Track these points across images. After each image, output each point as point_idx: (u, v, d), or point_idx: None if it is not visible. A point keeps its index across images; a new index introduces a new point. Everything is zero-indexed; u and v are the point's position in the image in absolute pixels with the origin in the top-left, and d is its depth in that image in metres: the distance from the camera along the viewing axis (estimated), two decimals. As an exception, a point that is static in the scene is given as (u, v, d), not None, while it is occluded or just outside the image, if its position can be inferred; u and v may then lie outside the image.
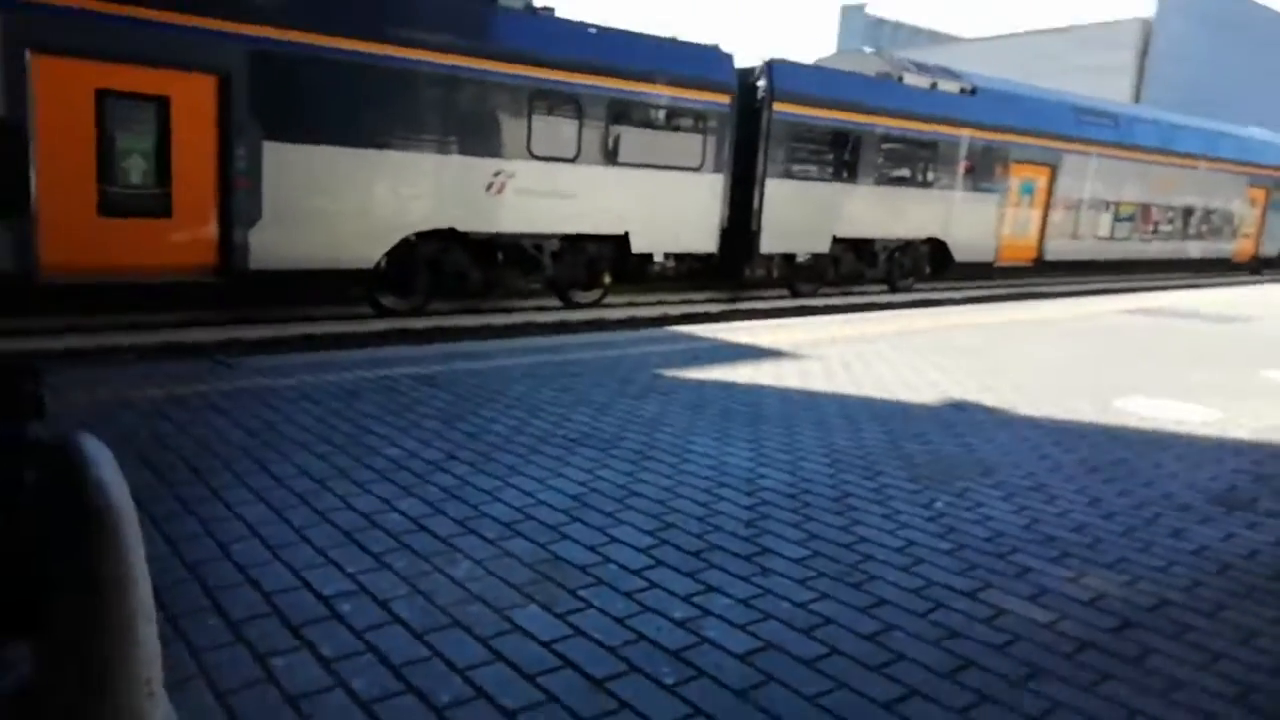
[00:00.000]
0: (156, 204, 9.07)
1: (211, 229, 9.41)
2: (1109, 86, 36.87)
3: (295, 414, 4.75)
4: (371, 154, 10.26)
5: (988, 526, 3.49)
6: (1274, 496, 3.93)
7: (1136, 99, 39.24)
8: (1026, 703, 2.30)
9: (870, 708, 2.26)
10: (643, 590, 2.86)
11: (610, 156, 12.24)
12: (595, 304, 12.98)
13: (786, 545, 3.25)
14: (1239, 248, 25.11)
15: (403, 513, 3.42)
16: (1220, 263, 24.67)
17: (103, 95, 8.62)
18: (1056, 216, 19.21)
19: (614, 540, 3.25)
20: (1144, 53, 41.23)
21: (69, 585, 1.00)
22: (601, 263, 12.82)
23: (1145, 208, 21.48)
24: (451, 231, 11.06)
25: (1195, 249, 23.46)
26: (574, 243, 12.28)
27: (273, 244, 9.70)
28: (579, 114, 11.88)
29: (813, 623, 2.68)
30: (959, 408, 5.51)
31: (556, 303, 12.82)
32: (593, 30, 12.10)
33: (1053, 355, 7.67)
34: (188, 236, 9.30)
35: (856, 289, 16.54)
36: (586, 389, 5.68)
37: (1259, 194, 25.07)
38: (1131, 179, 20.84)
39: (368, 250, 10.46)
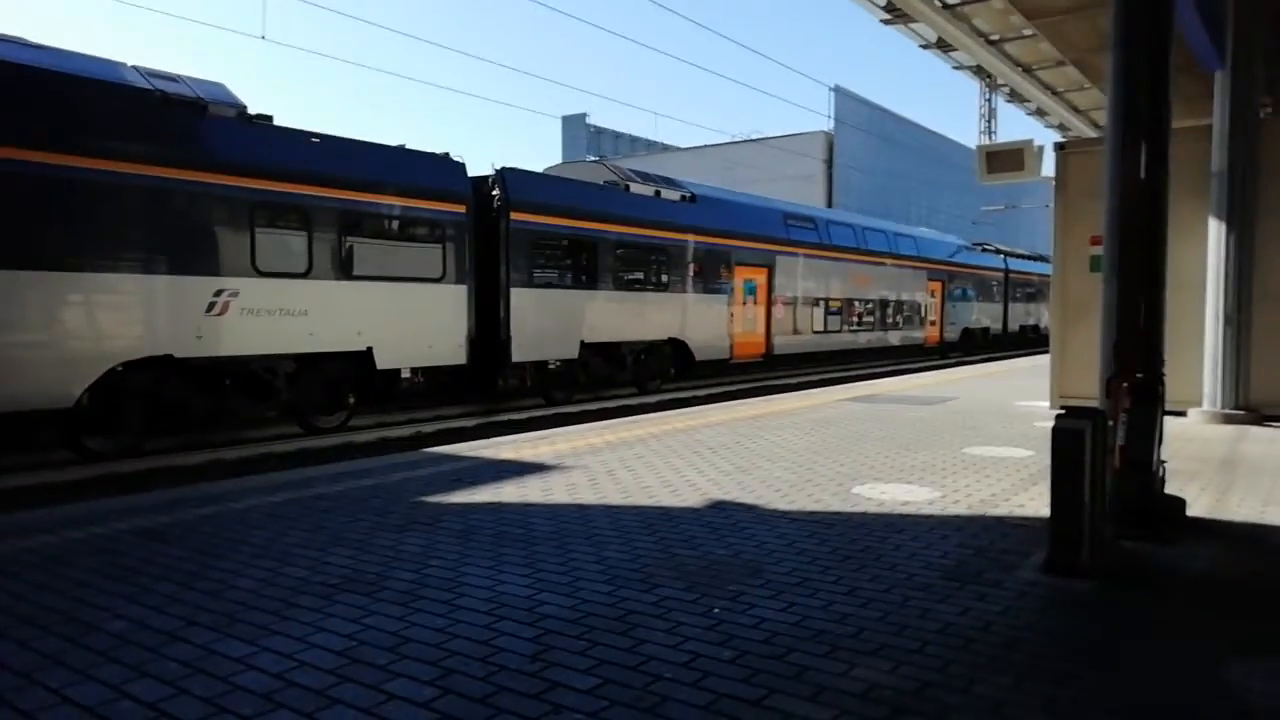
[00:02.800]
0: None
1: None
2: (806, 192, 41.54)
3: (-16, 593, 4.01)
4: (63, 277, 9.20)
5: (763, 629, 3.60)
6: (994, 568, 4.41)
7: (829, 203, 44.49)
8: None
9: None
10: (429, 753, 2.64)
11: (345, 269, 11.84)
12: (340, 428, 12.29)
13: (575, 675, 3.16)
14: (928, 334, 28.84)
15: (136, 698, 2.95)
16: (915, 348, 28.13)
17: None
18: (779, 313, 21.09)
19: (391, 697, 2.99)
20: (830, 161, 47.02)
21: None
22: (343, 383, 12.23)
23: (850, 302, 24.16)
24: (168, 359, 10.09)
25: (895, 337, 26.65)
26: (311, 363, 11.63)
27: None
28: (307, 226, 11.42)
29: (612, 761, 2.60)
30: (720, 507, 5.74)
31: (297, 429, 11.98)
32: (316, 139, 11.76)
33: (793, 446, 8.26)
34: None
35: (608, 392, 17.01)
36: (341, 526, 5.30)
37: (936, 286, 29.09)
38: (836, 276, 23.43)
39: (64, 387, 9.25)
